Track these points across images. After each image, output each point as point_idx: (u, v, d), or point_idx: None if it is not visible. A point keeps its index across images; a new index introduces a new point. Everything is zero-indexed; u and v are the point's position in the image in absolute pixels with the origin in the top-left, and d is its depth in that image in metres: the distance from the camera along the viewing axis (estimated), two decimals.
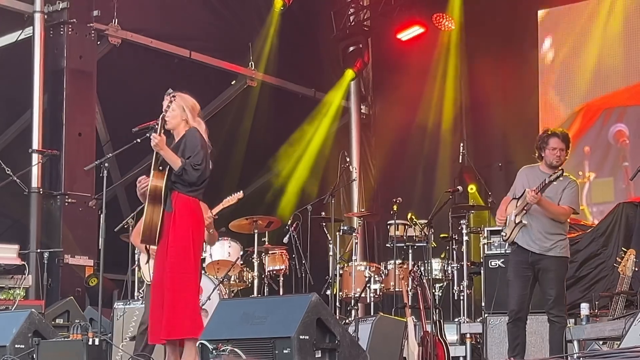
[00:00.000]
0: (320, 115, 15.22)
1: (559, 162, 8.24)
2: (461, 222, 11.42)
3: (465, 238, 11.33)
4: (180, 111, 7.37)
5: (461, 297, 11.20)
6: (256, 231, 11.26)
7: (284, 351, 6.49)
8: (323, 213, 11.49)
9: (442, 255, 11.52)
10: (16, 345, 7.65)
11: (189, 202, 7.26)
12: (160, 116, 7.30)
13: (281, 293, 11.29)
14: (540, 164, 8.34)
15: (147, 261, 8.43)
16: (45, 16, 11.88)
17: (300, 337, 6.50)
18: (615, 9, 13.38)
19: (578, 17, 13.75)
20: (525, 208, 8.14)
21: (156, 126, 7.27)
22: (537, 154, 8.38)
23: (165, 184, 7.20)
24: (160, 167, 7.22)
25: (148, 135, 7.49)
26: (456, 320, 10.98)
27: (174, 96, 7.32)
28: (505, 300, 8.59)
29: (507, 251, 9.70)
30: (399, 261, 11.16)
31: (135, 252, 8.51)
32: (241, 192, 9.81)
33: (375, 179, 15.74)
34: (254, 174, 14.57)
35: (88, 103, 12.13)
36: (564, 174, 8.16)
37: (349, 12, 15.74)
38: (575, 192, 8.26)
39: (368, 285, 11.20)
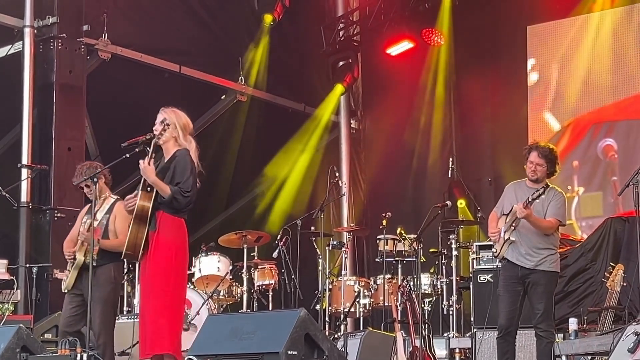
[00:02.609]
0: (310, 130, 15.24)
1: (535, 177, 8.23)
2: (450, 237, 11.43)
3: (454, 253, 11.34)
4: (171, 128, 7.39)
5: (450, 312, 11.21)
6: (245, 246, 11.26)
7: None
8: (312, 228, 11.49)
9: (432, 270, 11.53)
10: None
11: (174, 222, 7.31)
12: (152, 141, 7.32)
13: (270, 308, 11.28)
14: (527, 179, 8.35)
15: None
16: (35, 31, 11.87)
17: (289, 352, 6.50)
18: (604, 24, 13.45)
19: (566, 33, 13.81)
20: (513, 224, 8.15)
21: (147, 149, 7.31)
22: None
23: (152, 205, 7.26)
24: (149, 189, 7.27)
25: (137, 150, 7.51)
26: (445, 335, 10.98)
27: (167, 124, 7.32)
28: (495, 315, 8.60)
29: (497, 266, 9.71)
30: (388, 276, 11.17)
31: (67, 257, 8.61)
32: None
33: (365, 194, 15.76)
34: (243, 188, 14.58)
35: (78, 118, 12.12)
36: (550, 186, 8.17)
37: (339, 27, 15.78)
38: (561, 204, 8.25)
39: (357, 300, 11.19)
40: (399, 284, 10.59)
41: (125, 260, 8.32)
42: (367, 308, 11.31)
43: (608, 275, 9.53)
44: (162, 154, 7.44)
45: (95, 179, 8.15)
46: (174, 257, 7.26)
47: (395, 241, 11.23)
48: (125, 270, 10.78)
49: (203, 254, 11.10)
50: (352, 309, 11.18)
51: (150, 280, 7.22)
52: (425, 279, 11.28)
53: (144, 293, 7.33)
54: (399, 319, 9.92)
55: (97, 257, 8.19)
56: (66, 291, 8.46)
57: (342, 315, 11.03)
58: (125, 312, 10.72)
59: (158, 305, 7.14)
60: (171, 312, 7.20)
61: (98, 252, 8.25)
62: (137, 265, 10.72)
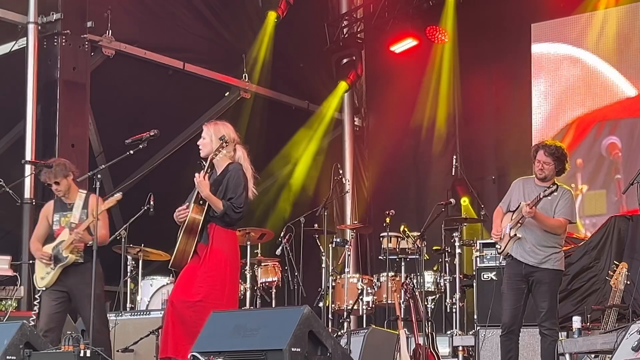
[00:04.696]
0: (314, 127, 15.24)
1: (542, 175, 8.22)
2: (454, 234, 11.43)
3: (457, 251, 11.34)
4: (209, 140, 7.45)
5: (453, 310, 11.20)
6: (249, 243, 11.27)
7: None
8: (316, 225, 11.49)
9: (435, 268, 11.52)
10: (7, 357, 7.62)
11: (227, 234, 7.47)
12: (209, 157, 7.43)
13: (274, 305, 11.28)
14: (534, 176, 8.34)
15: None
16: (39, 27, 11.87)
17: (292, 349, 6.49)
18: (608, 22, 13.43)
19: (571, 30, 13.79)
20: (520, 221, 8.14)
21: (203, 164, 7.43)
22: None
23: (204, 218, 7.38)
24: (201, 202, 7.40)
25: (141, 146, 7.54)
26: (448, 332, 10.98)
27: (226, 142, 7.46)
28: (498, 313, 8.59)
29: (500, 264, 9.72)
30: (391, 273, 11.16)
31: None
32: (120, 193, 8.80)
33: (368, 191, 15.74)
34: None
35: (81, 114, 12.12)
36: (559, 184, 8.16)
37: (343, 25, 15.77)
38: (570, 202, 8.25)
39: (360, 297, 11.20)
40: (402, 281, 10.58)
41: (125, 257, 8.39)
42: (370, 305, 11.31)
43: (612, 273, 9.52)
44: (212, 166, 7.51)
45: (99, 176, 8.12)
46: (228, 269, 7.44)
47: (399, 239, 11.23)
48: (130, 269, 10.81)
49: None
50: (355, 307, 11.18)
51: (204, 290, 7.30)
52: (429, 277, 11.29)
53: (177, 295, 7.36)
54: (402, 316, 9.92)
55: (83, 254, 8.25)
56: (44, 288, 8.47)
57: (345, 313, 11.03)
58: (128, 309, 10.72)
59: (205, 315, 7.16)
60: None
61: (84, 249, 8.31)
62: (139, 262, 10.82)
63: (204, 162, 7.49)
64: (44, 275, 8.49)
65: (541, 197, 8.01)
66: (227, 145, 7.47)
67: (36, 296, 8.68)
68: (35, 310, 8.63)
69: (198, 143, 7.63)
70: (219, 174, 7.50)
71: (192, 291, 7.34)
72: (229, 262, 7.44)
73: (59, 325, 8.38)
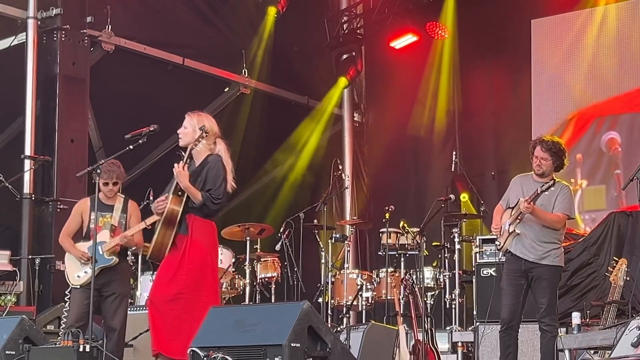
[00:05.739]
0: (313, 123, 15.24)
1: (540, 171, 8.21)
2: (453, 230, 11.42)
3: (457, 246, 11.33)
4: (191, 130, 7.41)
5: (453, 306, 11.20)
6: (248, 238, 11.26)
7: (275, 359, 6.47)
8: (315, 221, 11.49)
9: (434, 264, 11.52)
10: (7, 352, 7.63)
11: (205, 224, 7.39)
12: (189, 147, 7.39)
13: (273, 300, 11.28)
14: (533, 172, 8.34)
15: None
16: (39, 22, 11.87)
17: (292, 344, 6.49)
18: (608, 17, 13.43)
19: (571, 26, 13.79)
20: (519, 217, 8.14)
21: (182, 154, 7.38)
22: None
23: (182, 210, 7.31)
24: (179, 193, 7.33)
25: (141, 141, 7.53)
26: (448, 328, 10.98)
27: (206, 132, 7.38)
28: (497, 309, 8.59)
29: (499, 260, 9.72)
30: (391, 269, 11.15)
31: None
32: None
33: (368, 187, 15.75)
34: (246, 181, 14.56)
35: (81, 109, 12.12)
36: (557, 180, 8.16)
37: (343, 20, 15.76)
38: (568, 198, 8.24)
39: (360, 293, 11.20)
40: (402, 277, 10.58)
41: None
42: (370, 301, 11.31)
43: (611, 269, 9.51)
44: (190, 157, 7.47)
45: (98, 170, 8.16)
46: (209, 259, 7.37)
47: (398, 234, 11.22)
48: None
49: None
50: (355, 302, 11.18)
51: (185, 282, 7.25)
52: (428, 273, 11.29)
53: (157, 289, 7.35)
54: (401, 312, 9.92)
55: (119, 255, 8.44)
56: (79, 287, 8.48)
57: (344, 309, 11.03)
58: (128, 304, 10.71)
59: (190, 308, 7.18)
60: (201, 314, 7.21)
61: (120, 250, 8.36)
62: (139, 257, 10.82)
63: (183, 153, 7.41)
64: (80, 274, 8.51)
65: (538, 192, 8.01)
66: (206, 136, 7.39)
67: (67, 292, 8.68)
68: (66, 307, 8.65)
69: (178, 132, 7.53)
70: (197, 165, 7.42)
71: (172, 285, 7.28)
72: (208, 252, 7.37)
73: (87, 322, 8.39)
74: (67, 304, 8.63)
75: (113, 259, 8.44)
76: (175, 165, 7.29)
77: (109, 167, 8.49)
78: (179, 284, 7.27)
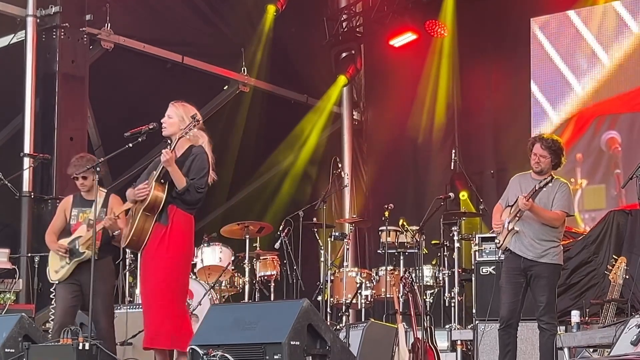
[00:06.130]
0: (313, 121, 15.23)
1: (539, 168, 8.21)
2: (452, 228, 11.42)
3: (456, 245, 11.33)
4: (178, 119, 7.39)
5: (452, 304, 11.20)
6: (247, 237, 11.25)
7: (275, 357, 6.47)
8: (314, 219, 11.49)
9: (434, 262, 11.51)
10: (6, 350, 7.63)
11: (185, 217, 7.34)
12: (178, 136, 7.34)
13: (272, 299, 11.28)
14: (532, 170, 8.34)
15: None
16: (38, 20, 11.87)
17: (291, 342, 6.49)
18: (608, 16, 13.43)
19: (570, 25, 13.78)
20: (517, 215, 8.14)
21: (169, 142, 7.33)
22: None
23: (165, 198, 7.26)
24: (162, 180, 7.27)
25: (140, 139, 7.52)
26: (447, 327, 10.97)
27: (197, 120, 7.35)
28: (496, 307, 8.59)
29: (499, 258, 9.71)
30: (390, 267, 11.15)
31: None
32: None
33: (367, 185, 15.74)
34: (245, 179, 14.57)
35: (80, 107, 12.12)
36: (555, 177, 8.16)
37: (342, 19, 15.75)
38: (567, 195, 8.23)
39: (359, 291, 11.19)
40: (401, 275, 10.58)
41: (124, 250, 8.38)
42: (369, 299, 11.30)
43: (610, 267, 9.52)
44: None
45: (98, 169, 8.16)
46: (184, 252, 7.34)
47: (398, 233, 11.22)
48: (129, 262, 10.80)
49: (205, 245, 11.10)
50: (354, 301, 11.18)
51: (159, 273, 7.23)
52: (427, 271, 11.28)
53: (148, 284, 7.34)
54: (400, 310, 9.92)
55: (98, 251, 8.24)
56: (57, 282, 8.46)
57: (344, 307, 11.03)
58: (127, 302, 10.71)
59: (165, 299, 7.18)
60: (179, 304, 7.25)
61: (101, 246, 8.31)
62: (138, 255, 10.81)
63: (170, 140, 7.38)
64: (58, 269, 8.48)
65: (537, 188, 8.01)
66: (197, 124, 7.38)
67: (51, 290, 8.67)
68: (53, 304, 8.64)
69: (162, 121, 7.46)
70: (179, 155, 7.38)
71: (152, 278, 7.29)
72: (186, 245, 7.35)
73: (73, 320, 8.37)
74: (52, 300, 8.61)
75: (85, 253, 8.33)
76: (164, 150, 7.24)
77: (75, 162, 8.48)
78: (157, 277, 7.25)
